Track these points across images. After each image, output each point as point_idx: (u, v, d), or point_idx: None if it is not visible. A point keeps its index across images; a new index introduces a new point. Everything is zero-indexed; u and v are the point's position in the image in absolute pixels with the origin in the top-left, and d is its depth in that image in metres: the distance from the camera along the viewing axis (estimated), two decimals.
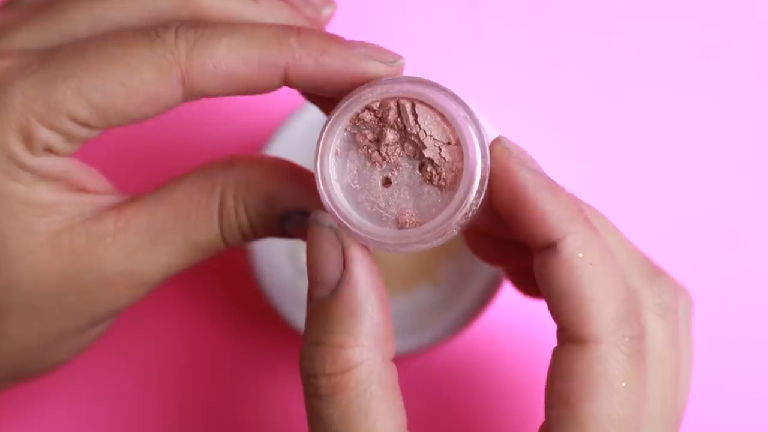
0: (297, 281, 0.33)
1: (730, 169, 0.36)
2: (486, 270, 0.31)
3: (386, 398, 0.21)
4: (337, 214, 0.21)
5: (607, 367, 0.20)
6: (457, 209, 0.21)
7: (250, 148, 0.36)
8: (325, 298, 0.21)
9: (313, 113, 0.31)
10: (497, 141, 0.22)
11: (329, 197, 0.21)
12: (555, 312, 0.21)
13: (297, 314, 0.31)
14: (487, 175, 0.21)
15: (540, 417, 0.35)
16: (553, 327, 0.35)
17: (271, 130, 0.36)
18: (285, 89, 0.37)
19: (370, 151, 0.22)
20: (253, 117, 0.36)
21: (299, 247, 0.34)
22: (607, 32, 0.37)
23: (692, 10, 0.37)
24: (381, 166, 0.22)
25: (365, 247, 0.21)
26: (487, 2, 0.37)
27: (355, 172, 0.22)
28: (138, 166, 0.36)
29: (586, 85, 0.36)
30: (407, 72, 0.37)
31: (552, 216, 0.21)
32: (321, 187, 0.22)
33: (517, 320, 0.35)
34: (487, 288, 0.30)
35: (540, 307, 0.35)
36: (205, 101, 0.36)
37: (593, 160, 0.36)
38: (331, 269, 0.21)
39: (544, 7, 0.37)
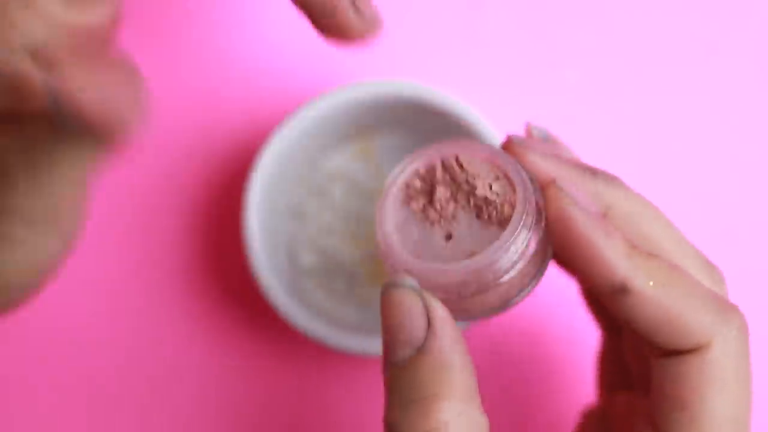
0: (297, 281, 0.33)
1: (731, 169, 0.36)
2: None
3: None
4: (413, 273, 0.21)
5: (720, 369, 0.21)
6: (515, 231, 0.21)
7: (251, 147, 0.36)
8: (412, 357, 0.21)
9: (312, 113, 0.31)
10: (552, 183, 0.22)
11: (400, 263, 0.22)
12: (649, 341, 0.22)
13: (297, 315, 0.31)
14: (542, 203, 0.22)
15: (540, 417, 0.35)
16: (553, 327, 0.35)
17: (271, 129, 0.36)
18: (286, 88, 0.37)
19: (426, 213, 0.22)
20: (254, 116, 0.36)
21: (299, 247, 0.34)
22: (606, 32, 0.37)
23: (693, 10, 0.37)
24: (439, 223, 0.22)
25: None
26: (487, 2, 0.37)
27: (416, 238, 0.22)
28: (138, 166, 0.36)
29: (586, 86, 0.36)
30: (408, 72, 0.37)
31: (610, 261, 0.21)
32: (389, 263, 0.22)
33: (517, 320, 0.35)
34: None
35: (540, 307, 0.35)
36: (204, 102, 0.36)
37: (594, 160, 0.37)
38: (416, 327, 0.21)
39: (544, 7, 0.37)
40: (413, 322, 0.21)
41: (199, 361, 0.36)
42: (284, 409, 0.36)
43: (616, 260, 0.21)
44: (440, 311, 0.21)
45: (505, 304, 0.22)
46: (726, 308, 0.22)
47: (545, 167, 0.23)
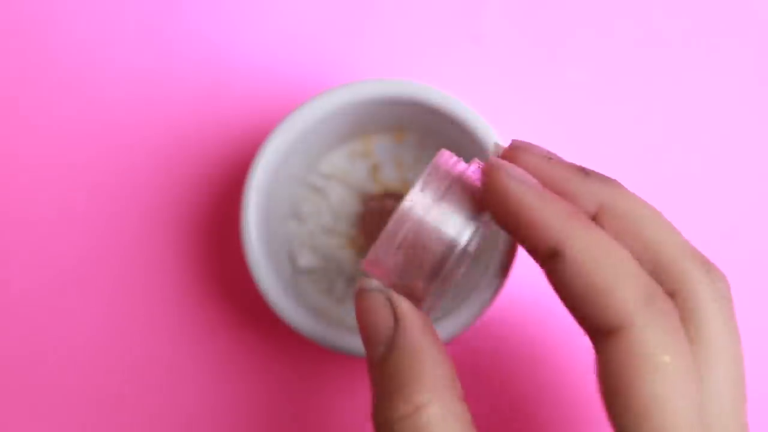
0: (295, 282, 0.33)
1: (732, 169, 0.36)
2: (488, 269, 0.31)
3: None
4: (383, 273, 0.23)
5: (646, 345, 0.20)
6: (417, 188, 0.23)
7: (250, 147, 0.36)
8: (384, 353, 0.22)
9: (310, 113, 0.31)
10: (492, 162, 0.23)
11: (366, 261, 0.23)
12: (579, 316, 0.22)
13: (295, 315, 0.30)
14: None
15: (541, 416, 0.35)
16: (556, 326, 0.34)
17: (270, 129, 0.36)
18: (285, 88, 0.37)
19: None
20: (253, 117, 0.36)
21: (297, 247, 0.34)
22: (607, 32, 0.37)
23: (693, 10, 0.37)
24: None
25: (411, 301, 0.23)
26: (488, 2, 0.37)
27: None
28: (138, 166, 0.36)
29: (586, 86, 0.36)
30: (408, 72, 0.37)
31: (545, 223, 0.21)
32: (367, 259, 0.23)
33: (518, 320, 0.35)
34: (490, 286, 0.30)
35: (540, 307, 0.35)
36: (203, 102, 0.36)
37: (594, 160, 0.36)
38: (384, 325, 0.22)
39: (545, 7, 0.37)
40: (382, 321, 0.22)
41: (198, 361, 0.36)
42: (283, 409, 0.35)
43: (552, 222, 0.21)
44: (404, 306, 0.23)
45: (450, 268, 0.23)
46: (654, 293, 0.21)
47: (534, 164, 0.23)
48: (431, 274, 0.23)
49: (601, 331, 0.21)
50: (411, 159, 0.34)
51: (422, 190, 0.23)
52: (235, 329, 0.36)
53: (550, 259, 0.21)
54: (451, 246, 0.23)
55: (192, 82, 0.37)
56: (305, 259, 0.34)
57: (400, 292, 0.23)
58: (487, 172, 0.22)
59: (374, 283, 0.23)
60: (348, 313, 0.34)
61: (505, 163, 0.23)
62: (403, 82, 0.31)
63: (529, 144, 0.24)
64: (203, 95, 0.36)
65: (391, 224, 0.23)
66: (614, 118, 0.36)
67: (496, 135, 0.30)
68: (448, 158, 0.24)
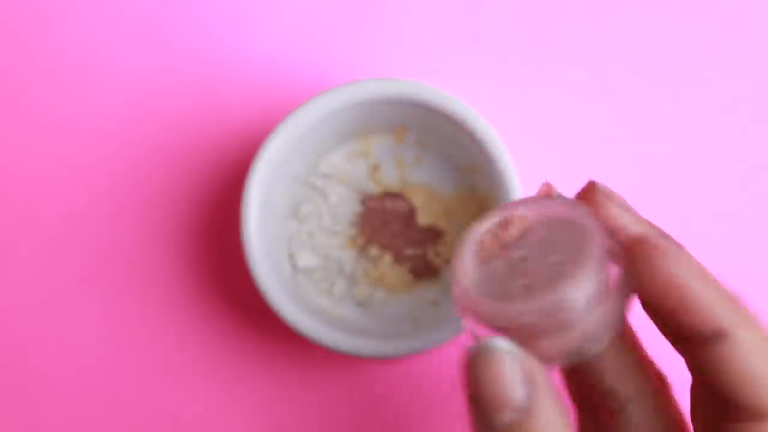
0: (295, 282, 0.33)
1: (732, 168, 0.36)
2: None
3: None
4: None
5: None
6: (585, 269, 0.21)
7: (250, 146, 0.36)
8: (515, 420, 0.20)
9: (310, 114, 0.31)
10: (645, 239, 0.22)
11: (473, 303, 0.22)
12: (731, 395, 0.22)
13: (295, 315, 0.30)
14: (617, 250, 0.22)
15: None
16: None
17: (271, 128, 0.36)
18: (286, 87, 0.37)
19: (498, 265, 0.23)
20: (252, 117, 0.36)
21: (298, 249, 0.34)
22: (608, 32, 0.37)
23: (694, 9, 0.37)
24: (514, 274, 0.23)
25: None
26: (488, 2, 0.37)
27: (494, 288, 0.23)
28: (137, 165, 0.36)
29: (586, 86, 0.36)
30: (407, 72, 0.37)
31: (714, 306, 0.22)
32: (462, 305, 0.22)
33: None
34: None
35: None
36: (203, 102, 0.36)
37: (594, 160, 0.36)
38: (517, 392, 0.21)
39: (545, 7, 0.37)
40: (514, 385, 0.21)
41: (197, 361, 0.36)
42: (282, 409, 0.35)
43: (716, 306, 0.22)
44: (542, 374, 0.21)
45: (579, 351, 0.22)
46: None
47: (615, 215, 0.23)
48: (548, 333, 0.21)
49: (752, 414, 0.22)
50: (411, 159, 0.34)
51: (587, 273, 0.21)
52: (235, 329, 0.36)
53: (709, 341, 0.22)
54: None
55: (192, 81, 0.36)
56: (305, 259, 0.34)
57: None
58: (647, 257, 0.22)
59: (504, 343, 0.21)
60: (347, 314, 0.34)
61: (661, 242, 0.22)
62: (403, 81, 0.31)
63: (611, 190, 0.24)
64: (204, 94, 0.36)
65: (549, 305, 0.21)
66: (614, 118, 0.36)
67: (495, 135, 0.30)
68: (601, 233, 0.22)
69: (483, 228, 0.24)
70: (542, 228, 0.23)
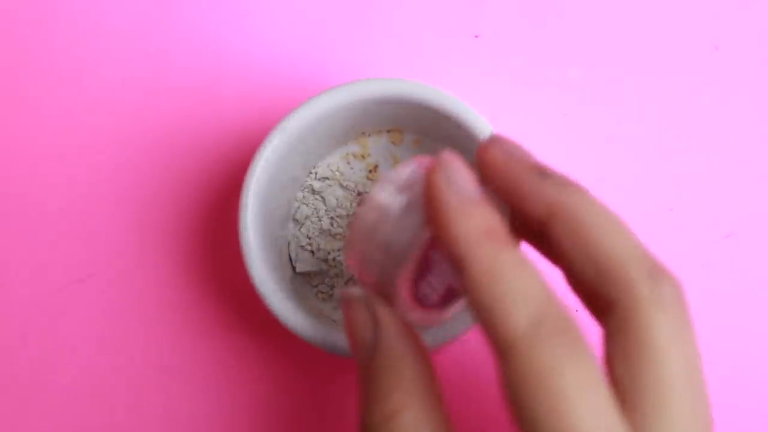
0: (294, 284, 0.33)
1: (733, 168, 0.36)
2: None
3: None
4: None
5: (531, 372, 0.20)
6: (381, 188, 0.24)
7: (250, 145, 0.36)
8: (367, 359, 0.23)
9: (311, 111, 0.30)
10: (436, 163, 0.23)
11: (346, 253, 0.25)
12: (579, 281, 0.22)
13: (294, 317, 0.30)
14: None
15: None
16: None
17: (270, 127, 0.36)
18: (286, 83, 0.37)
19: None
20: (252, 114, 0.36)
21: (297, 251, 0.34)
22: (608, 31, 0.36)
23: (694, 9, 0.37)
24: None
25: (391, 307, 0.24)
26: (488, 2, 0.37)
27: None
28: (137, 165, 0.36)
29: (586, 85, 0.36)
30: (407, 72, 0.37)
31: (456, 238, 0.22)
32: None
33: None
34: None
35: None
36: (203, 103, 0.36)
37: (593, 160, 0.36)
38: (367, 332, 0.23)
39: (545, 6, 0.36)
40: (364, 328, 0.24)
41: (197, 363, 0.35)
42: (281, 411, 0.35)
43: (460, 239, 0.21)
44: (382, 311, 0.24)
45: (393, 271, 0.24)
46: (544, 316, 0.20)
47: (496, 160, 0.23)
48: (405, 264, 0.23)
49: (497, 352, 0.21)
50: (408, 159, 0.34)
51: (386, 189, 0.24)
52: (235, 332, 0.36)
53: (457, 273, 0.22)
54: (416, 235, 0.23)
55: (191, 81, 0.36)
56: (304, 262, 0.34)
57: (385, 294, 0.24)
58: (428, 171, 0.22)
59: (356, 290, 0.24)
60: None
61: (450, 165, 0.23)
62: (399, 81, 0.30)
63: (503, 139, 0.24)
64: (203, 93, 0.36)
65: (368, 223, 0.24)
66: (614, 118, 0.36)
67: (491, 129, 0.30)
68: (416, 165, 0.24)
69: (382, 186, 0.25)
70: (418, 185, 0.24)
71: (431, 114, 0.31)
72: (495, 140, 0.24)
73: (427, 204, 0.22)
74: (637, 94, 0.36)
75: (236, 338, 0.35)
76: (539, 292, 0.21)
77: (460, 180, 0.22)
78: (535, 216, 0.22)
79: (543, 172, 0.23)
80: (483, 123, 0.30)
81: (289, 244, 0.34)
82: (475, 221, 0.21)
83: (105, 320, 0.36)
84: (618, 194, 0.36)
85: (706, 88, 0.36)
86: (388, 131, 0.34)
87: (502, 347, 0.20)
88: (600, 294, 0.21)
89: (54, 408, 0.35)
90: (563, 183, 0.23)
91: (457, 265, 0.21)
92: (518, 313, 0.20)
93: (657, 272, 0.21)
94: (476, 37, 0.36)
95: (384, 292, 0.24)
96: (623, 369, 0.20)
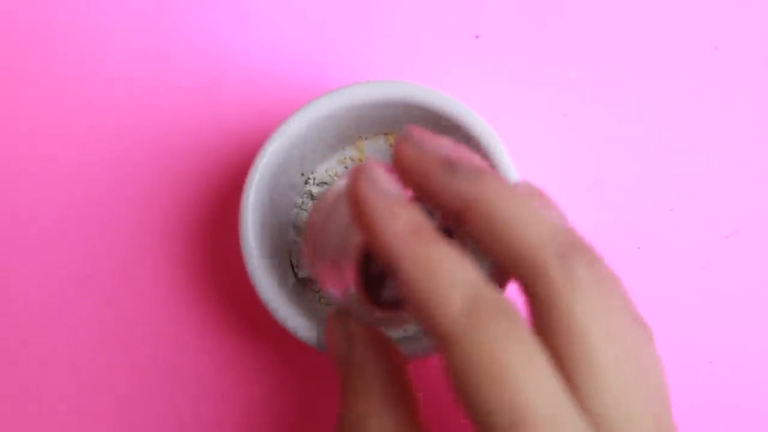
0: (296, 289, 0.33)
1: (733, 168, 0.36)
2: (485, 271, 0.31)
3: None
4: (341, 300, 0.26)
5: (468, 361, 0.20)
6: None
7: (250, 146, 0.36)
8: (344, 371, 0.25)
9: (311, 112, 0.30)
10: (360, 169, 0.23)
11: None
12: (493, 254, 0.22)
13: (296, 322, 0.30)
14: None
15: None
16: None
17: (270, 129, 0.36)
18: (287, 84, 0.37)
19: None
20: (252, 117, 0.36)
21: (297, 255, 0.34)
22: (608, 31, 0.36)
23: (695, 8, 0.36)
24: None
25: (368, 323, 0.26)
26: (488, 2, 0.36)
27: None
28: (139, 167, 0.36)
29: (586, 86, 0.36)
30: (407, 73, 0.37)
31: (385, 240, 0.22)
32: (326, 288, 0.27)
33: None
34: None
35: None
36: (202, 103, 0.36)
37: (593, 160, 0.36)
38: (342, 347, 0.25)
39: (544, 7, 0.36)
40: (339, 343, 0.25)
41: (198, 367, 0.35)
42: (281, 412, 0.35)
43: (389, 239, 0.22)
44: (355, 327, 0.25)
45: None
46: (475, 303, 0.20)
47: (408, 157, 0.23)
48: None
49: (438, 343, 0.21)
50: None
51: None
52: (234, 333, 0.36)
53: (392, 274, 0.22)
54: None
55: (191, 82, 0.36)
56: (306, 269, 0.34)
57: (338, 286, 0.26)
58: (350, 175, 0.22)
59: (333, 309, 0.26)
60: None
61: (372, 169, 0.22)
62: (397, 83, 0.30)
63: (414, 134, 0.24)
64: (202, 93, 0.36)
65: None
66: (614, 118, 0.36)
67: (496, 137, 0.30)
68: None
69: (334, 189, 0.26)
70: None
71: (430, 116, 0.30)
72: (407, 135, 0.24)
73: (354, 208, 0.22)
74: (637, 94, 0.36)
75: (236, 340, 0.35)
76: (469, 277, 0.21)
77: (383, 182, 0.22)
78: (451, 211, 0.22)
79: (452, 167, 0.22)
80: (483, 124, 0.30)
81: (290, 250, 0.34)
82: (402, 221, 0.22)
83: (105, 321, 0.36)
84: (618, 194, 0.36)
85: (706, 88, 0.36)
86: (385, 134, 0.34)
87: (441, 337, 0.20)
88: (520, 282, 0.22)
89: (54, 408, 0.35)
90: (473, 175, 0.22)
91: (391, 265, 0.21)
92: (451, 301, 0.20)
93: (566, 251, 0.21)
94: (476, 37, 0.36)
95: (337, 286, 0.26)
96: (551, 352, 0.21)
